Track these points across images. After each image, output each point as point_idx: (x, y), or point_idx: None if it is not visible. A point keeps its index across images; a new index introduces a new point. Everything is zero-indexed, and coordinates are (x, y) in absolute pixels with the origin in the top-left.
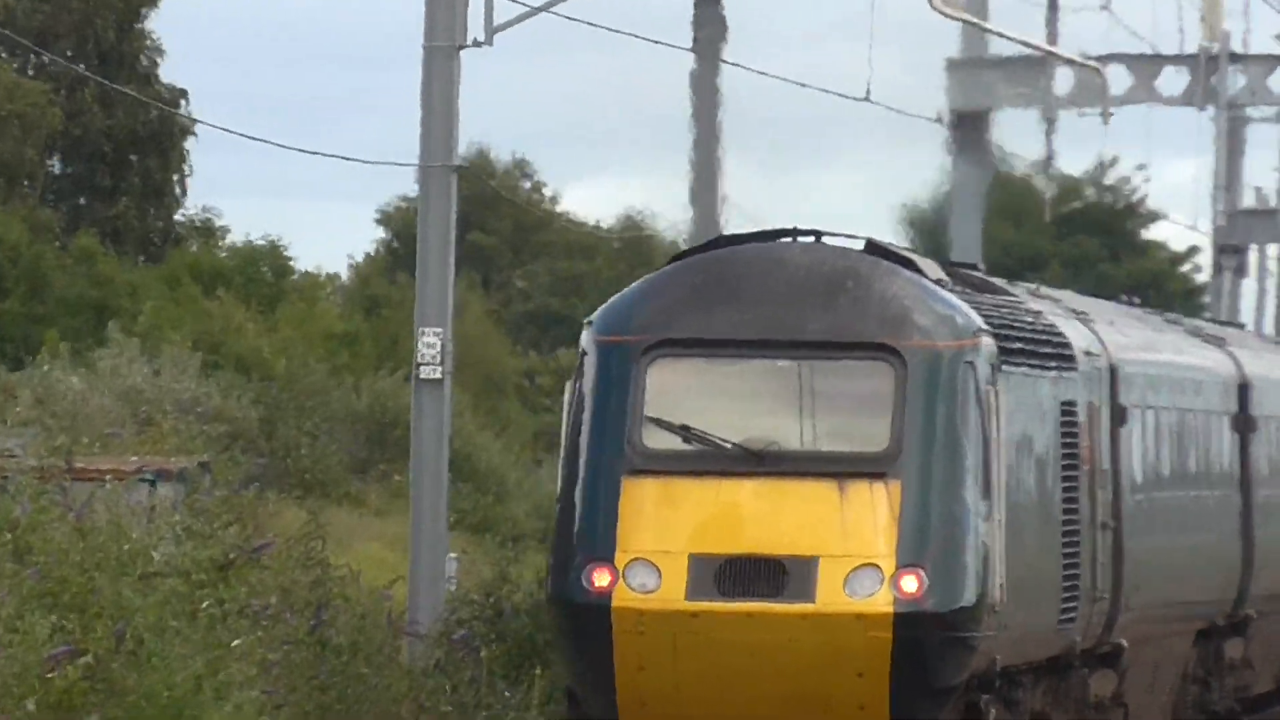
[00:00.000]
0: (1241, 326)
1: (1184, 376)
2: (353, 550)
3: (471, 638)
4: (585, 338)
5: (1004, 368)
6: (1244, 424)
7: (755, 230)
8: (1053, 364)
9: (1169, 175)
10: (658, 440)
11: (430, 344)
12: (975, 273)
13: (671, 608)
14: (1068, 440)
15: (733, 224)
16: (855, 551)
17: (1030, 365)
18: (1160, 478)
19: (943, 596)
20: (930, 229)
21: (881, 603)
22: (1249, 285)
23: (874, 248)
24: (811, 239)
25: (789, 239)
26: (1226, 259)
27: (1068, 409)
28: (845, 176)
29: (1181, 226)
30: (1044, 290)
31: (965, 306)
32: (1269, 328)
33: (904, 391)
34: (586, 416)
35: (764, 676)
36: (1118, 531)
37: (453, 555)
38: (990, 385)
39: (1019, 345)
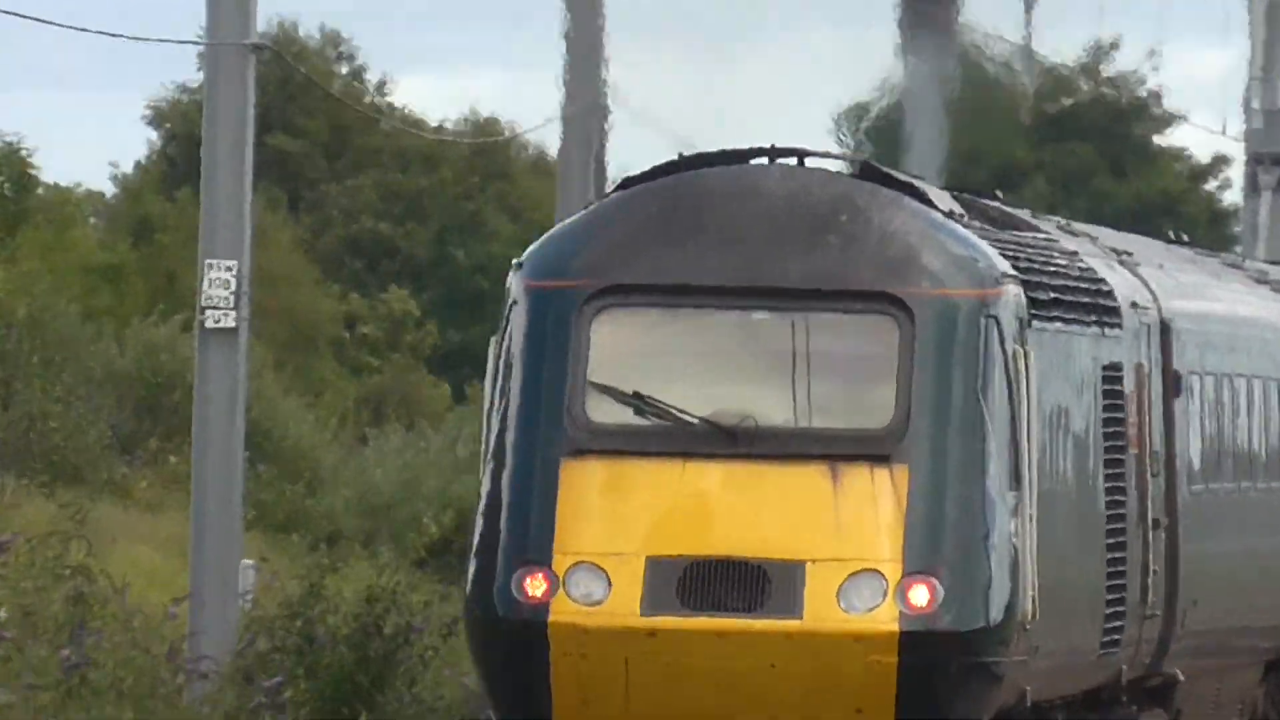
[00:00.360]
0: None
1: (1252, 334)
2: (116, 555)
3: (273, 675)
4: (514, 283)
5: (1034, 323)
6: None
7: (720, 150)
8: (1093, 318)
9: (1188, 65)
10: (605, 412)
11: (220, 282)
12: (994, 204)
13: (623, 624)
14: (1112, 415)
15: (621, 127)
16: (852, 554)
17: (1066, 320)
18: (1224, 464)
19: (961, 612)
20: (882, 134)
21: (885, 619)
22: None
23: (870, 172)
24: (793, 161)
25: (765, 160)
26: (1265, 173)
27: (1111, 375)
28: (772, 66)
29: (1205, 131)
30: (1076, 226)
31: (985, 246)
32: None
33: (912, 352)
34: (516, 383)
35: (739, 710)
36: (1172, 532)
37: (249, 563)
38: (1018, 344)
39: (1053, 295)
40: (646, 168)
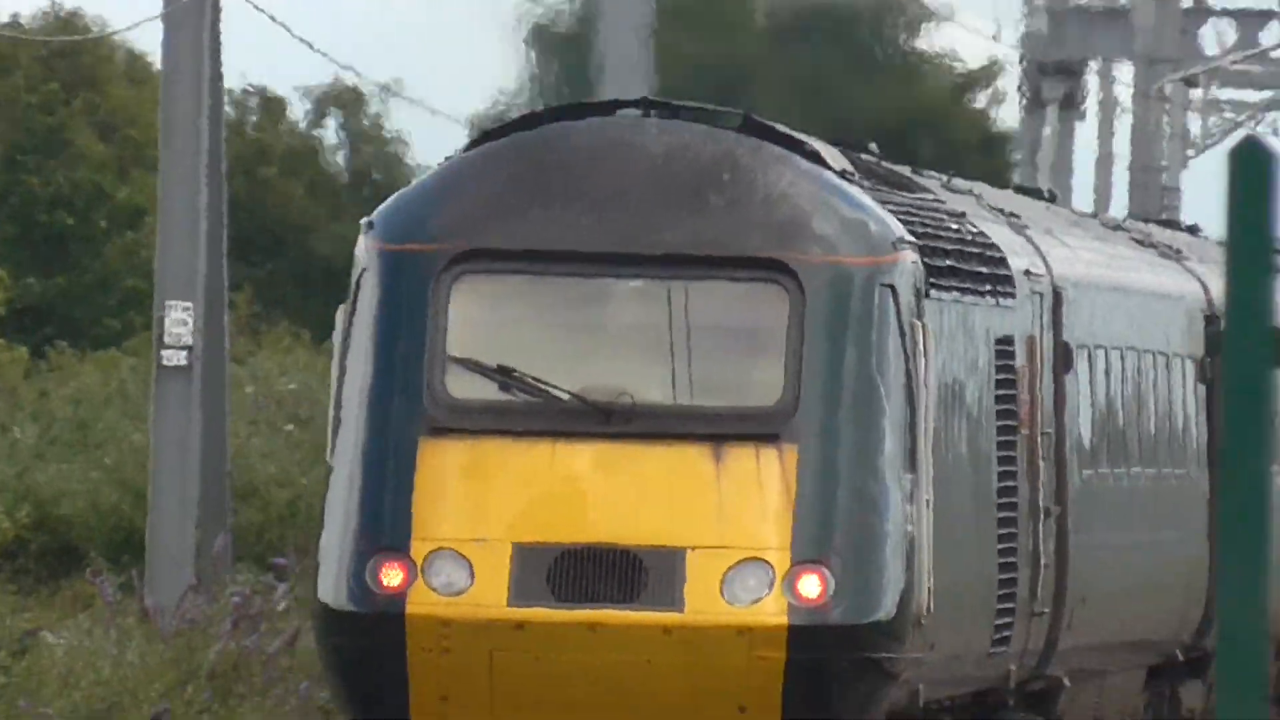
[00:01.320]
0: (1192, 230)
1: (1142, 304)
2: None
3: None
4: (362, 246)
5: (931, 293)
6: (1214, 372)
7: (586, 101)
8: (988, 287)
9: None
10: (467, 388)
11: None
12: (874, 159)
13: (488, 616)
14: (1003, 392)
15: (236, 23)
16: (736, 542)
17: (962, 289)
18: (1113, 446)
19: (854, 604)
20: (568, 46)
21: (772, 611)
22: (1087, 133)
23: (754, 127)
24: (664, 115)
25: (639, 113)
26: (1049, 86)
27: (1004, 349)
28: None
29: (974, 34)
30: (957, 183)
31: (880, 210)
32: (1119, 207)
33: (802, 324)
34: (367, 355)
35: (613, 709)
36: (1062, 521)
37: None
38: (915, 316)
39: (948, 262)
40: (507, 121)
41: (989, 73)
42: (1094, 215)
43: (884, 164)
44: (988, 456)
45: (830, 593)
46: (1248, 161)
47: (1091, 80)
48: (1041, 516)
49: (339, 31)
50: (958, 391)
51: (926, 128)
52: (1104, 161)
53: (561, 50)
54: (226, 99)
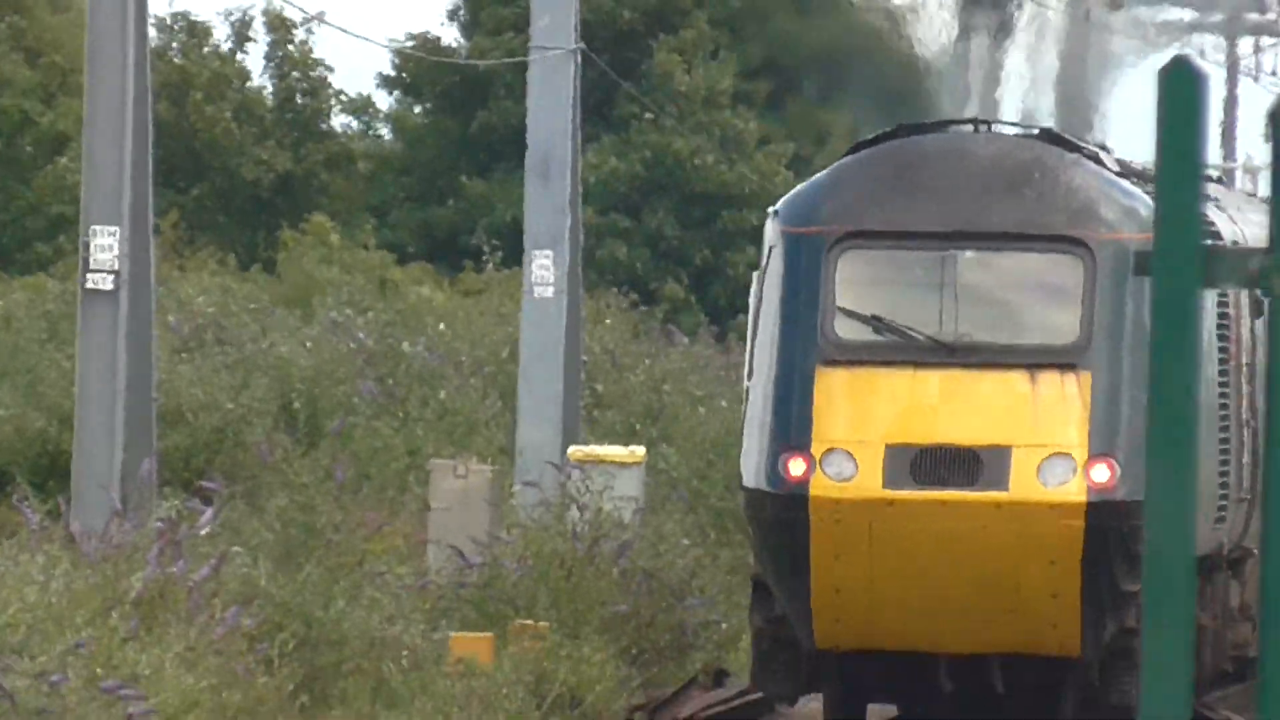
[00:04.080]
0: None
1: None
2: None
3: None
4: (770, 229)
5: None
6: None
7: (933, 121)
8: None
9: None
10: (849, 331)
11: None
12: (1119, 158)
13: (869, 496)
14: (1222, 334)
15: None
16: (1047, 441)
17: None
18: None
19: (1134, 486)
20: None
21: (1074, 492)
22: (1015, 62)
23: (1050, 136)
24: (987, 128)
25: (970, 129)
26: (981, 12)
27: (1222, 302)
28: None
29: None
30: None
31: (1145, 197)
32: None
33: (1093, 284)
34: (776, 308)
35: (958, 563)
36: (1256, 430)
37: None
38: None
39: None
40: (874, 135)
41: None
42: (1254, 194)
43: (1135, 162)
44: (1212, 380)
45: (1117, 478)
46: (1177, 81)
47: (1029, 7)
48: (1245, 426)
49: None
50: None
51: (863, 53)
52: (1032, 84)
53: None
54: (152, 23)
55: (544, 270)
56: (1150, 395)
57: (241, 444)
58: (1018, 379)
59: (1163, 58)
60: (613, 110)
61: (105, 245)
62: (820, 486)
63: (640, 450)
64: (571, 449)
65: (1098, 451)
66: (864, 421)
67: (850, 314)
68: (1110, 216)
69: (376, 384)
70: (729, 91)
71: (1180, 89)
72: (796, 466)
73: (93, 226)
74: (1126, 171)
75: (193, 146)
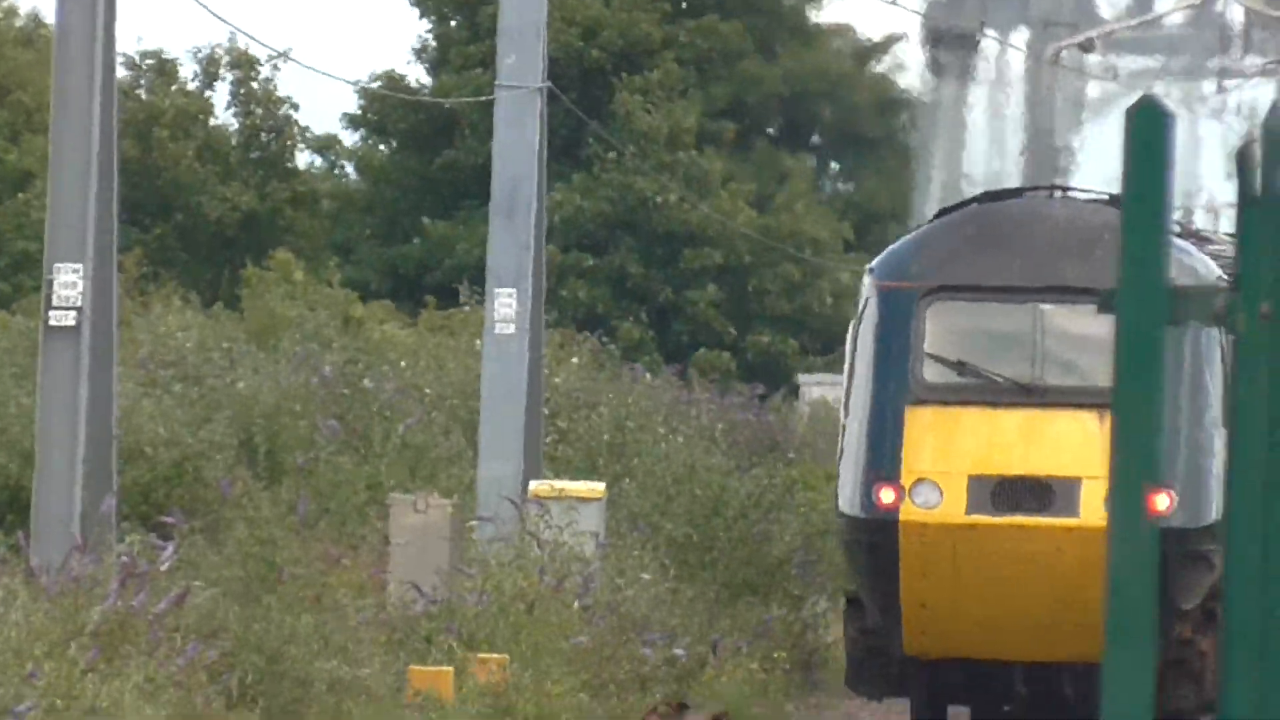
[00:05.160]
0: None
1: None
2: None
3: None
4: (867, 284)
5: None
6: None
7: (1008, 188)
8: None
9: None
10: (936, 374)
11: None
12: (1178, 219)
13: (952, 521)
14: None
15: None
16: None
17: None
18: None
19: (1189, 514)
20: (460, 2)
21: None
22: (980, 98)
23: (1118, 201)
24: (1060, 194)
25: (1046, 194)
26: (946, 53)
27: None
28: None
29: (876, 1)
30: (1225, 234)
31: (1203, 257)
32: (1011, 169)
33: None
34: (871, 354)
35: (1032, 582)
36: None
37: None
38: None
39: None
40: (959, 201)
41: (888, 44)
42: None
43: (1192, 225)
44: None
45: (1175, 506)
46: (1145, 121)
47: (989, 45)
48: None
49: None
50: None
51: (829, 97)
52: (998, 125)
53: (454, 10)
54: (120, 61)
55: (506, 307)
56: (1114, 430)
57: (202, 479)
58: (1087, 418)
59: (1130, 100)
60: (580, 149)
61: (69, 282)
62: (909, 513)
63: (600, 486)
64: (533, 484)
65: (1158, 483)
66: (948, 455)
67: (937, 359)
68: (1172, 274)
69: (338, 420)
70: (693, 131)
71: (1147, 128)
72: (887, 495)
73: (56, 263)
74: (1185, 233)
75: (157, 184)
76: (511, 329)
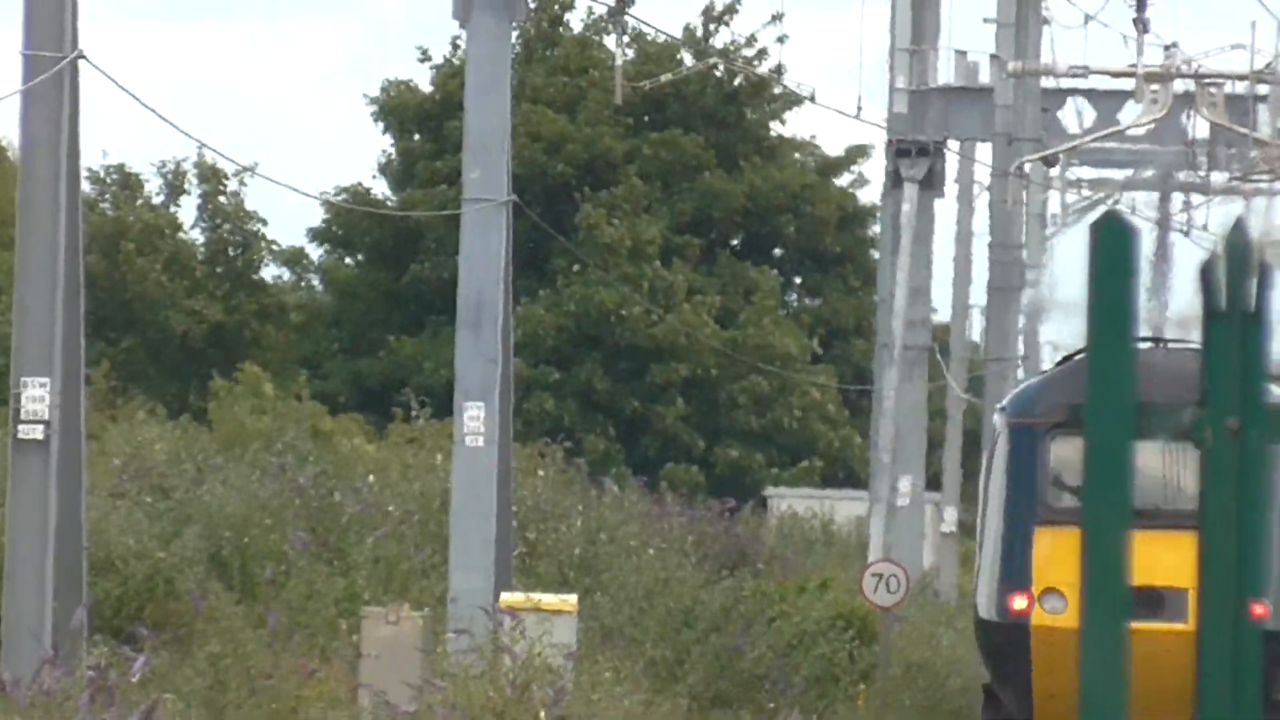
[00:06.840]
0: None
1: None
2: None
3: None
4: (998, 420)
5: None
6: None
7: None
8: None
9: (818, 36)
10: (1060, 499)
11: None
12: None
13: (1077, 625)
14: None
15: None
16: None
17: None
18: None
19: None
20: (424, 118)
21: None
22: (946, 209)
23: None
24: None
25: (1153, 345)
26: (908, 165)
27: None
28: (291, 42)
29: (836, 114)
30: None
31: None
32: (979, 283)
33: None
34: (1003, 480)
35: (1149, 678)
36: None
37: None
38: None
39: None
40: (1078, 349)
41: (851, 157)
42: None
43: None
44: None
45: (1270, 613)
46: (1109, 235)
47: (951, 159)
48: None
49: (197, 112)
50: None
51: (792, 210)
52: (963, 239)
53: (418, 126)
54: (85, 175)
55: (475, 420)
56: (1084, 538)
57: (173, 592)
58: (1193, 538)
59: (1095, 213)
60: (545, 263)
61: (36, 396)
62: (1039, 618)
63: (572, 598)
64: (504, 596)
65: (1257, 594)
66: (1073, 568)
67: (1061, 485)
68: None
69: (308, 533)
70: (657, 243)
71: (1112, 242)
72: (1020, 602)
73: (24, 377)
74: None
75: (124, 298)
76: (481, 442)
